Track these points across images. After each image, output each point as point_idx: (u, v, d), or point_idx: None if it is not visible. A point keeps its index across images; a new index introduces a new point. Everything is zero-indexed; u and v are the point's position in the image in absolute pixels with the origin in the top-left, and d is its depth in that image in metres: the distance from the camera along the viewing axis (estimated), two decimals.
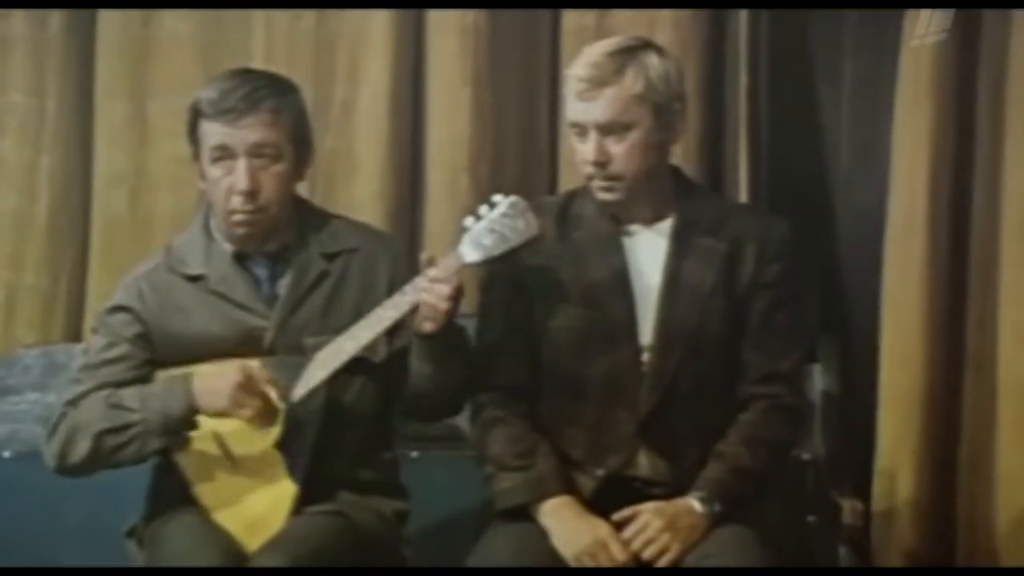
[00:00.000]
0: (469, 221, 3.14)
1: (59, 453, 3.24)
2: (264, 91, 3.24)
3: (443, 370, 3.17)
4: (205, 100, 3.23)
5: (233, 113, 3.21)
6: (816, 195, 4.12)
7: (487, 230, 3.12)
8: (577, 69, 3.14)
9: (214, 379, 3.16)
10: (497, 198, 3.14)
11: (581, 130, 3.14)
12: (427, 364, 3.17)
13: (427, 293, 3.10)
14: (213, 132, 3.22)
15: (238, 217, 3.24)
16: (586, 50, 3.18)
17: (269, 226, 3.26)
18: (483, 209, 3.14)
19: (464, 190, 4.21)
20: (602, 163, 3.13)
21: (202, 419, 3.19)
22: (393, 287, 3.21)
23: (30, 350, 4.17)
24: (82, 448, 3.21)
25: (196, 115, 3.24)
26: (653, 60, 3.15)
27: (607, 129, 3.12)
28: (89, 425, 3.21)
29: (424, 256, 3.16)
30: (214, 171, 3.23)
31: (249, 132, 3.22)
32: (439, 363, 3.16)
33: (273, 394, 3.13)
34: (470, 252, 3.12)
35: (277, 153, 3.25)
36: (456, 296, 3.10)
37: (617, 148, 3.13)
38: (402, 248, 3.47)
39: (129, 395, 3.21)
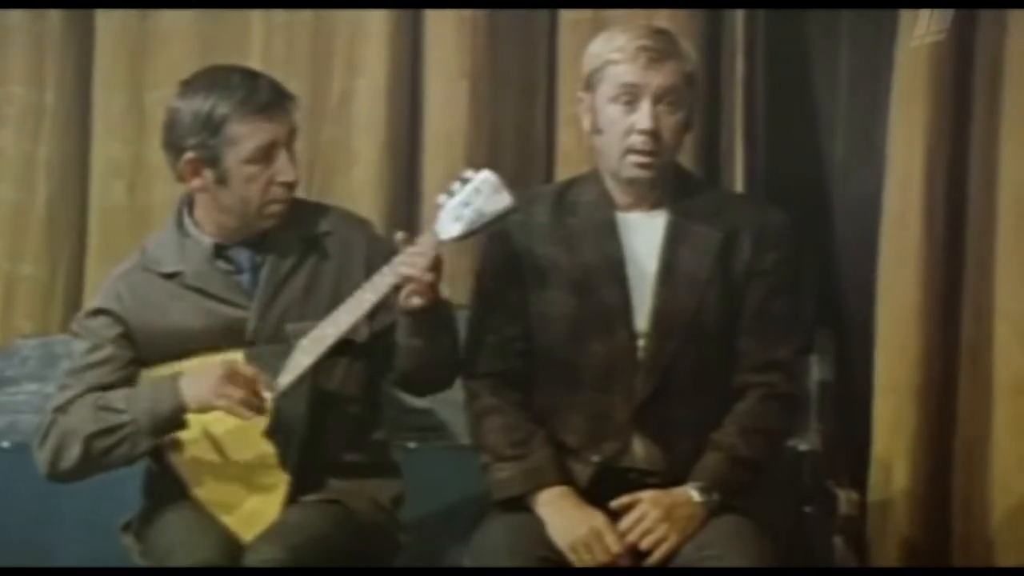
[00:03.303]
0: (443, 198, 3.13)
1: (51, 460, 3.25)
2: (276, 82, 3.28)
3: (433, 344, 3.17)
4: (231, 102, 3.21)
5: (272, 109, 3.22)
6: (812, 187, 4.12)
7: (461, 205, 3.11)
8: (637, 39, 3.15)
9: (198, 376, 3.16)
10: (468, 174, 3.14)
11: (632, 98, 3.14)
12: (416, 339, 3.16)
13: (407, 267, 3.10)
14: (255, 132, 3.22)
15: (276, 207, 3.27)
16: (619, 30, 3.22)
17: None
18: (456, 185, 3.13)
19: None
20: (655, 131, 3.14)
21: (195, 423, 3.19)
22: (370, 268, 3.22)
23: (28, 341, 4.16)
24: (73, 453, 3.21)
25: (220, 120, 3.21)
26: (688, 46, 3.21)
27: (662, 99, 3.14)
28: (78, 430, 3.21)
29: (399, 235, 3.15)
30: (249, 169, 3.23)
31: (285, 124, 3.25)
32: (429, 337, 3.16)
33: (259, 384, 3.13)
34: (445, 229, 3.12)
35: (294, 140, 3.28)
36: (436, 269, 3.10)
37: (667, 121, 3.16)
38: (375, 229, 3.49)
39: (117, 397, 3.21)
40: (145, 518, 3.28)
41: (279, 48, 4.26)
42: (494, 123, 4.24)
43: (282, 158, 3.24)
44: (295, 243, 3.31)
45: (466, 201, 3.11)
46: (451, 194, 3.13)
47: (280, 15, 4.32)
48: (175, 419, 3.18)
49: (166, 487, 3.26)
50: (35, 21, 4.42)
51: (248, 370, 3.14)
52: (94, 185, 4.43)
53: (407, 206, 4.28)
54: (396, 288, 3.13)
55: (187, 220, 3.33)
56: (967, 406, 3.83)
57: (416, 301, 3.11)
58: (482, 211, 3.11)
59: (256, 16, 4.34)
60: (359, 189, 4.23)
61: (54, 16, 4.42)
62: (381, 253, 3.23)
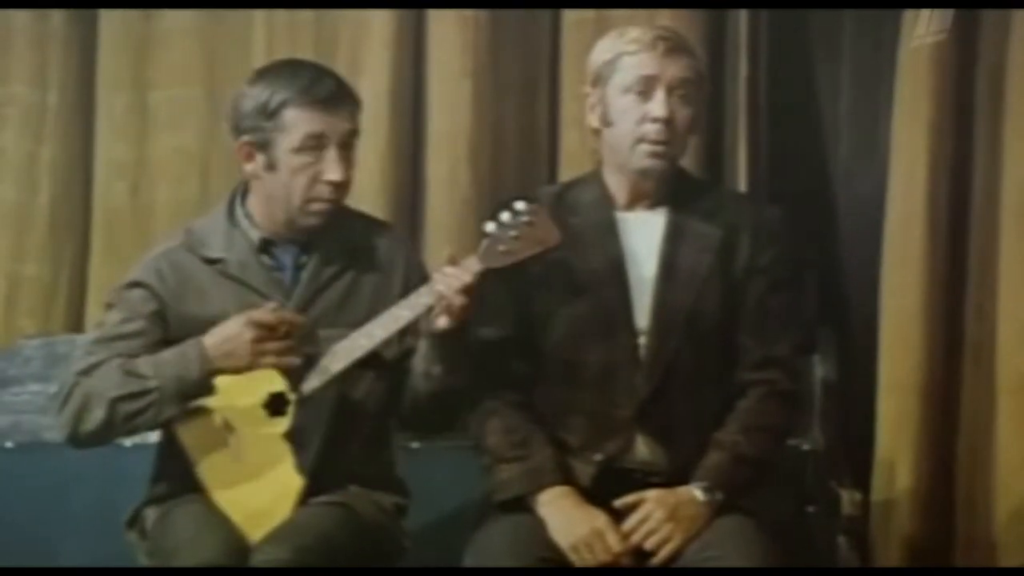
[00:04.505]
0: (490, 226, 3.13)
1: (72, 421, 3.23)
2: (343, 83, 3.28)
3: (450, 373, 3.17)
4: (292, 88, 3.22)
5: (330, 102, 3.22)
6: (816, 186, 4.13)
7: (508, 237, 3.11)
8: (652, 31, 3.20)
9: (226, 340, 3.16)
10: (519, 204, 3.13)
11: (647, 87, 3.16)
12: (436, 365, 3.17)
13: (441, 284, 3.11)
14: (307, 120, 3.22)
15: (318, 206, 3.26)
16: (629, 27, 3.25)
17: (335, 214, 3.28)
18: (504, 215, 3.13)
19: (464, 182, 4.21)
20: (669, 119, 3.15)
21: (212, 403, 3.19)
22: (407, 287, 3.23)
23: (31, 341, 4.16)
24: (96, 416, 3.20)
25: (279, 104, 3.22)
26: (699, 49, 3.28)
27: (676, 91, 3.16)
28: (104, 393, 3.19)
29: (447, 254, 3.16)
30: (297, 159, 3.23)
31: (343, 122, 3.25)
32: (448, 365, 3.17)
33: (285, 324, 3.13)
34: (489, 258, 3.12)
35: (355, 143, 3.29)
36: (468, 294, 3.10)
37: (680, 112, 3.17)
38: (416, 249, 3.49)
39: (143, 363, 3.20)
40: (154, 513, 3.28)
41: (282, 48, 4.25)
42: (497, 123, 4.25)
43: (331, 155, 3.24)
44: (341, 251, 3.31)
45: (513, 233, 3.11)
46: (499, 223, 3.12)
47: (283, 15, 4.33)
48: (202, 384, 3.17)
49: (175, 478, 3.26)
50: (38, 21, 4.43)
51: (269, 316, 3.15)
52: (97, 185, 4.43)
53: (410, 206, 4.28)
54: (431, 309, 3.14)
55: (239, 210, 3.34)
56: (970, 406, 3.83)
57: (442, 321, 3.12)
58: (527, 244, 3.11)
59: (259, 16, 4.34)
60: (361, 189, 4.17)
61: (57, 16, 4.42)
62: (419, 274, 3.25)
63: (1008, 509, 3.72)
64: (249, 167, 3.29)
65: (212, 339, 3.17)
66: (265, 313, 3.16)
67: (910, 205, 3.89)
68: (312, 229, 3.29)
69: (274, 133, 3.24)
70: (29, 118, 4.42)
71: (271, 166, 3.26)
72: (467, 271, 3.11)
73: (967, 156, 3.87)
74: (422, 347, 3.20)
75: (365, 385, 3.28)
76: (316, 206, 3.26)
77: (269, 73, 3.31)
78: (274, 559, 3.06)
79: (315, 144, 3.23)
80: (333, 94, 3.24)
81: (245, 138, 3.27)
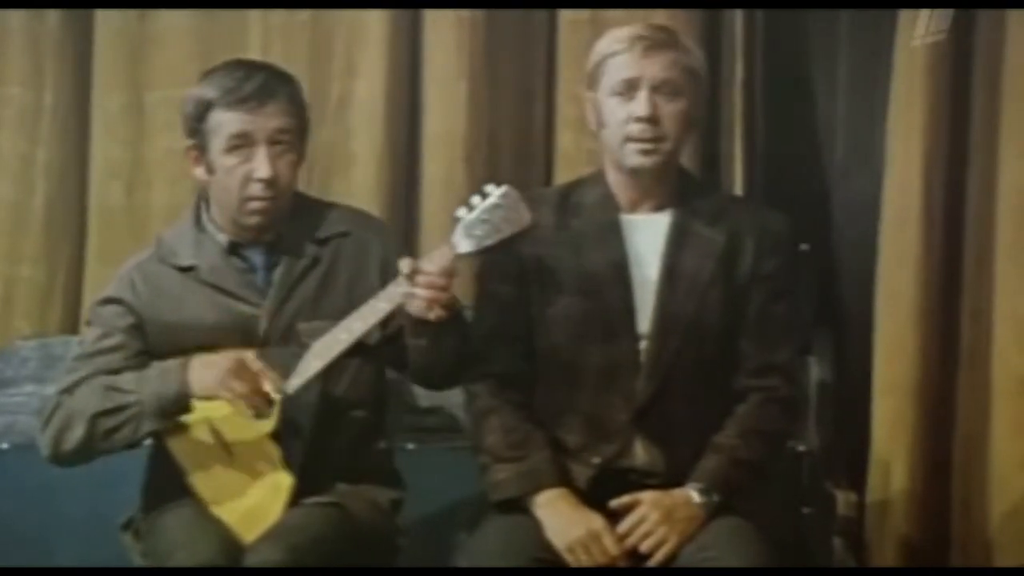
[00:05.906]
0: (462, 211, 3.14)
1: (54, 440, 3.25)
2: (276, 80, 3.28)
3: (436, 345, 3.17)
4: (218, 89, 3.23)
5: (253, 101, 3.23)
6: (811, 188, 4.12)
7: (479, 220, 3.12)
8: (634, 30, 3.19)
9: (207, 364, 3.17)
10: (490, 188, 3.14)
11: (630, 87, 3.15)
12: (420, 339, 3.17)
13: (423, 290, 3.10)
14: (231, 120, 3.23)
15: (255, 204, 3.26)
16: (622, 27, 3.24)
17: (278, 213, 3.28)
18: (476, 199, 3.14)
19: (460, 183, 4.21)
20: (653, 119, 3.15)
21: (199, 409, 3.19)
22: (385, 269, 3.24)
23: (27, 342, 4.17)
24: (77, 433, 3.21)
25: (206, 107, 3.24)
26: (693, 45, 3.24)
27: (660, 87, 3.15)
28: (84, 410, 3.21)
29: (406, 264, 3.13)
30: (227, 160, 3.24)
31: (269, 119, 3.24)
32: (433, 338, 3.16)
33: (266, 382, 3.13)
34: (463, 242, 3.12)
35: (292, 140, 3.28)
36: (448, 284, 3.10)
37: (667, 108, 3.16)
38: (392, 231, 3.49)
39: (126, 379, 3.22)
40: (145, 517, 3.28)
41: (277, 49, 4.25)
42: (493, 124, 4.25)
43: (260, 153, 3.24)
44: (311, 243, 3.32)
45: (484, 216, 3.12)
46: (470, 208, 3.13)
47: (278, 16, 4.32)
48: (180, 403, 3.18)
49: (167, 483, 3.26)
50: (33, 21, 4.42)
51: (256, 365, 3.15)
52: (93, 186, 4.42)
53: (405, 208, 4.28)
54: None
55: (204, 215, 3.35)
56: (966, 407, 3.83)
57: (432, 315, 3.11)
58: (500, 227, 3.12)
59: (254, 17, 4.34)
60: (357, 191, 4.23)
61: (53, 16, 4.41)
62: (396, 256, 3.23)
63: (1003, 510, 3.71)
64: (196, 171, 3.31)
65: (198, 360, 3.19)
66: (254, 360, 3.16)
67: (906, 207, 3.89)
68: (259, 228, 3.29)
69: (207, 136, 3.26)
70: (25, 119, 4.42)
71: (210, 169, 3.28)
72: (442, 262, 3.11)
73: (963, 158, 3.86)
74: (407, 323, 3.19)
75: (349, 376, 3.29)
76: (253, 205, 3.26)
77: (207, 75, 3.32)
78: (267, 560, 3.07)
79: (242, 143, 3.24)
80: (257, 92, 3.24)
81: (188, 142, 3.29)
